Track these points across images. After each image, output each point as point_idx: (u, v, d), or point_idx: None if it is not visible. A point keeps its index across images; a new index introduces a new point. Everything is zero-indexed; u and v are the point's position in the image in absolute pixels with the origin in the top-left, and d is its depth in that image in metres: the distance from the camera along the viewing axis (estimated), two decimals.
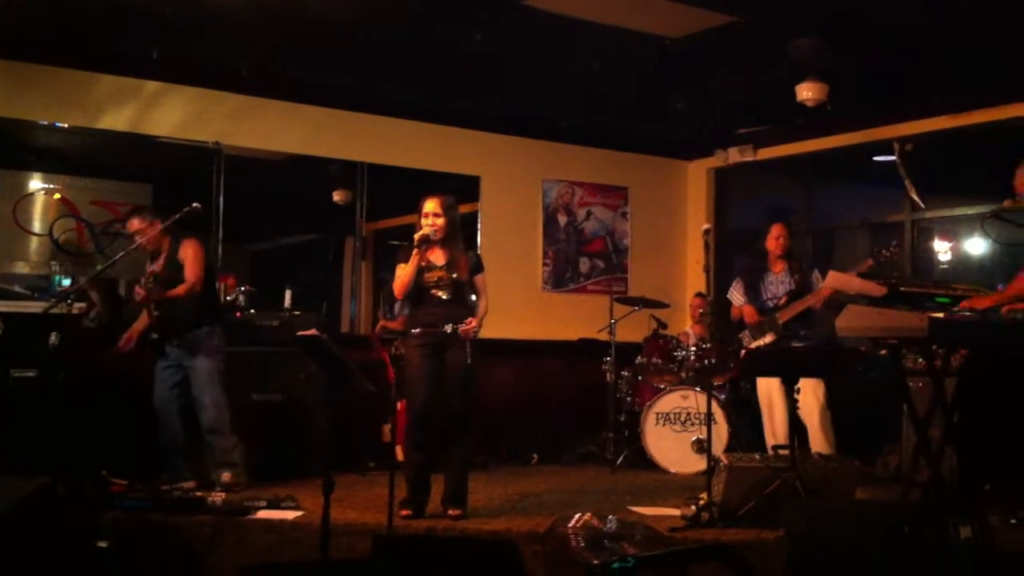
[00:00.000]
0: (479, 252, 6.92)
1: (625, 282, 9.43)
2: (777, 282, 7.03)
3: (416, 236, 5.56)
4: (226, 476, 6.17)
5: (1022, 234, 5.32)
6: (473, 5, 6.17)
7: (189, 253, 6.21)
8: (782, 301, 6.91)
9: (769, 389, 6.90)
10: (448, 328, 5.55)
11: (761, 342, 6.91)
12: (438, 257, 5.65)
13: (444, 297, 5.60)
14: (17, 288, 6.81)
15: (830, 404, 6.81)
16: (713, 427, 6.07)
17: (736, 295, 7.17)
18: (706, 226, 6.24)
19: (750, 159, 9.31)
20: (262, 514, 5.39)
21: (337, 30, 6.60)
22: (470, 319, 5.54)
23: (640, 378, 8.06)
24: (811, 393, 6.71)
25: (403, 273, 5.59)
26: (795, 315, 6.82)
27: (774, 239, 7.05)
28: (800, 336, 6.78)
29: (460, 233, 5.77)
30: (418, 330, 5.61)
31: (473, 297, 5.73)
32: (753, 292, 7.07)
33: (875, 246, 6.51)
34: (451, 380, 5.58)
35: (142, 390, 6.74)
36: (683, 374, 7.81)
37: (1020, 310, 5.07)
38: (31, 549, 4.57)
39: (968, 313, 5.01)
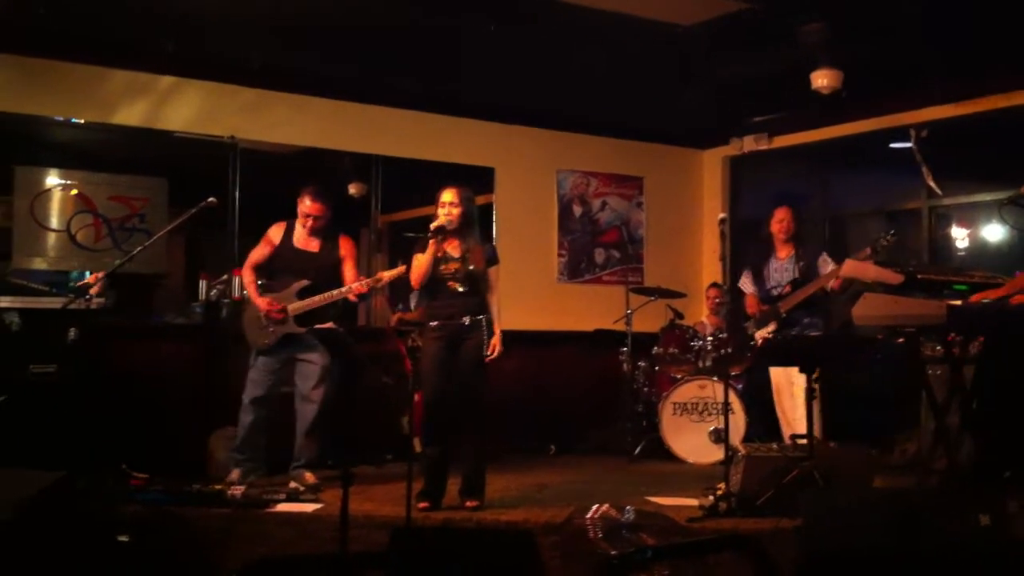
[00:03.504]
0: (495, 244, 6.93)
1: (641, 272, 9.41)
2: (781, 269, 6.91)
3: (432, 225, 5.57)
4: (310, 476, 6.11)
5: None
6: None
7: (354, 251, 6.37)
8: (786, 290, 6.81)
9: (779, 379, 6.85)
10: (466, 320, 5.58)
11: (765, 331, 6.86)
12: (454, 248, 5.67)
13: (460, 289, 5.62)
14: (35, 284, 6.85)
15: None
16: (730, 417, 6.05)
17: (746, 284, 7.11)
18: (722, 215, 6.20)
19: (765, 147, 9.27)
20: (281, 507, 5.42)
21: (349, 22, 6.61)
22: (493, 345, 5.60)
23: (657, 368, 8.05)
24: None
25: (419, 263, 5.60)
26: (799, 303, 6.70)
27: (777, 223, 6.95)
28: (803, 324, 6.70)
29: (476, 225, 5.78)
30: (435, 322, 5.63)
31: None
32: (759, 279, 7.01)
33: (888, 232, 6.43)
34: (466, 371, 5.60)
35: (161, 384, 6.80)
36: (700, 364, 7.80)
37: None
38: (51, 542, 4.59)
39: (958, 302, 4.99)
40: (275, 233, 6.36)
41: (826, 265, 6.73)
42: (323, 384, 6.17)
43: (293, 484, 5.98)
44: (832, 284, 6.58)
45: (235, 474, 6.11)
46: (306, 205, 6.25)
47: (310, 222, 6.26)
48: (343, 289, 6.13)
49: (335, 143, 8.12)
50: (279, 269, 6.30)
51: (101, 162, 7.34)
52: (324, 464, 6.47)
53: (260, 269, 6.33)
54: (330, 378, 6.24)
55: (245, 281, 6.32)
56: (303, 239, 6.32)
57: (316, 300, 6.14)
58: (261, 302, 6.17)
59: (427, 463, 5.56)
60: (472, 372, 5.60)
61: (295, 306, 6.16)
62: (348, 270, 6.30)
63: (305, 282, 6.18)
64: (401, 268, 6.03)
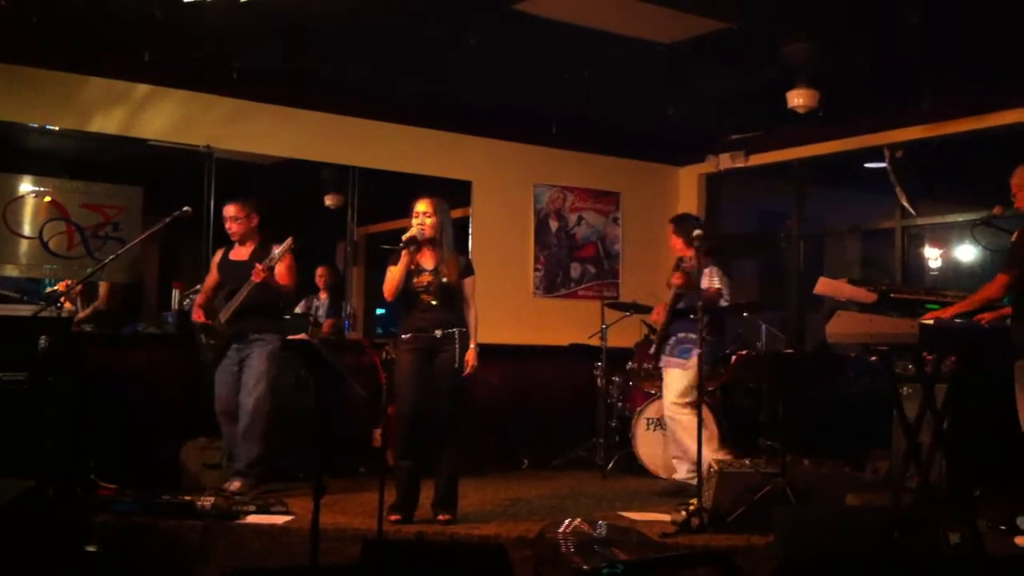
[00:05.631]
0: (470, 257, 6.92)
1: (616, 287, 9.42)
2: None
3: (404, 236, 5.56)
4: (236, 484, 6.10)
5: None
6: (465, 9, 6.18)
7: (287, 259, 6.30)
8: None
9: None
10: (438, 333, 5.56)
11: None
12: (427, 260, 5.65)
13: (434, 302, 5.60)
14: (6, 291, 6.79)
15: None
16: (704, 432, 6.07)
17: None
18: (697, 232, 6.23)
19: (741, 165, 9.32)
20: (252, 518, 5.39)
21: (328, 34, 6.60)
22: (468, 358, 5.58)
23: (631, 383, 8.04)
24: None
25: (392, 275, 5.59)
26: (671, 316, 6.73)
27: None
28: (671, 342, 6.69)
29: (451, 237, 5.77)
30: (409, 335, 5.62)
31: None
32: None
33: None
34: (441, 384, 5.58)
35: (133, 394, 6.74)
36: None
37: (1005, 316, 5.11)
38: (19, 552, 4.55)
39: (931, 321, 5.02)
40: (216, 256, 6.59)
41: (708, 278, 6.52)
42: (257, 389, 6.21)
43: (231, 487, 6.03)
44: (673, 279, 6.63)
45: (235, 484, 6.14)
46: (225, 210, 6.48)
47: (228, 224, 6.44)
48: (250, 279, 6.12)
49: (312, 154, 8.09)
50: (224, 285, 6.45)
51: (75, 170, 7.29)
52: (295, 476, 6.45)
53: (213, 293, 6.50)
54: (274, 388, 6.32)
55: (195, 303, 6.54)
56: (236, 251, 6.48)
57: (236, 298, 6.23)
58: (195, 314, 6.39)
59: (400, 476, 5.54)
60: (446, 385, 5.59)
61: (223, 312, 6.29)
62: (278, 272, 6.26)
63: (229, 287, 6.32)
64: (289, 240, 6.12)
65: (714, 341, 6.58)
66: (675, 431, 6.61)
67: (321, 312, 8.42)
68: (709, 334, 6.34)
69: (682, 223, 6.92)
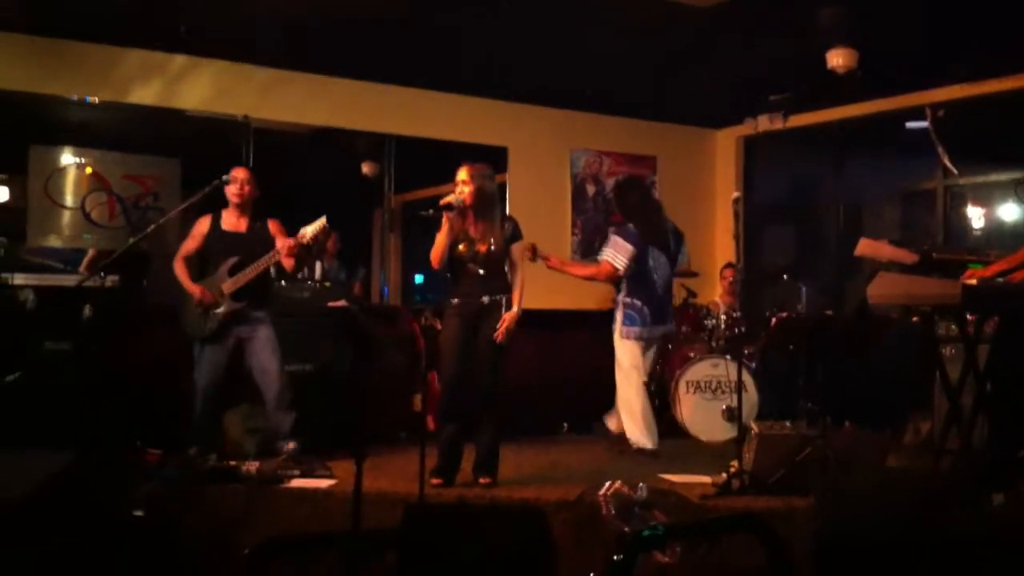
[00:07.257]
0: None
1: None
2: None
3: (441, 202, 5.56)
4: (292, 445, 6.05)
5: None
6: None
7: (283, 229, 6.20)
8: None
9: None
10: (485, 299, 5.58)
11: None
12: (473, 229, 5.66)
13: (480, 270, 5.62)
14: (50, 261, 6.89)
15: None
16: (743, 395, 6.06)
17: None
18: (736, 195, 6.19)
19: (780, 127, 9.21)
20: (295, 483, 5.45)
21: (362, 3, 6.58)
22: (504, 318, 5.58)
23: (670, 347, 8.04)
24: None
25: (438, 242, 5.60)
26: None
27: None
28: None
29: (496, 203, 5.77)
30: (456, 300, 5.64)
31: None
32: None
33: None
34: (483, 350, 5.61)
35: (175, 362, 6.82)
36: (713, 343, 7.80)
37: None
38: (66, 520, 4.63)
39: (974, 282, 4.95)
40: (202, 224, 6.28)
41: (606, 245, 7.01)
42: (275, 358, 6.14)
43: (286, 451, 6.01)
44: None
45: (291, 445, 6.09)
46: (237, 172, 6.22)
47: (241, 187, 6.19)
48: (271, 254, 6.04)
49: (348, 122, 8.11)
50: (212, 256, 6.23)
51: (115, 141, 7.35)
52: (336, 441, 6.50)
53: (192, 261, 6.26)
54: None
55: (176, 273, 6.18)
56: (232, 221, 6.26)
57: (248, 272, 6.08)
58: (194, 289, 6.10)
59: (443, 440, 5.58)
60: (490, 351, 5.61)
61: (227, 284, 6.10)
62: (281, 242, 6.15)
63: (233, 260, 6.13)
64: (322, 221, 5.93)
65: (640, 306, 6.86)
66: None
67: (332, 275, 8.31)
68: (630, 298, 6.83)
69: (622, 189, 7.20)
